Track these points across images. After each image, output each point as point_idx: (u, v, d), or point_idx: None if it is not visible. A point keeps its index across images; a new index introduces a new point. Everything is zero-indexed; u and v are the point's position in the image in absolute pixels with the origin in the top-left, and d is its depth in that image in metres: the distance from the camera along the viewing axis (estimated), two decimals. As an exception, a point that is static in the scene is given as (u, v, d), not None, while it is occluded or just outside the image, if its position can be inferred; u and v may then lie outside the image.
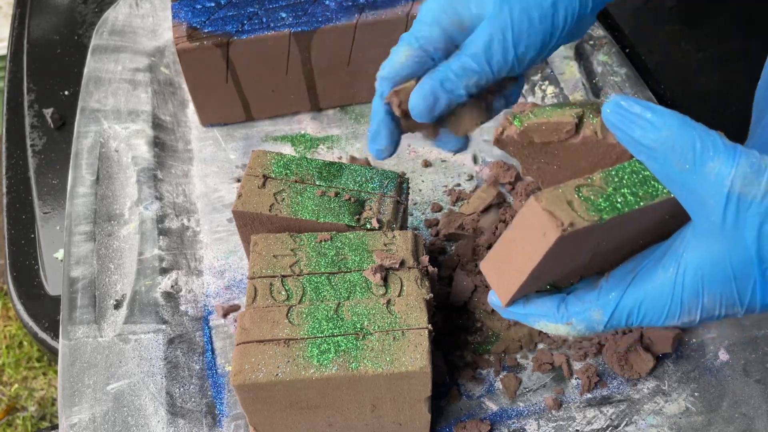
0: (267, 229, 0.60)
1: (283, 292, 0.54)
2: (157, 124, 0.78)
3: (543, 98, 0.81)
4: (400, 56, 0.51)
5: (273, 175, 0.60)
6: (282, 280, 0.55)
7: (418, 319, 0.52)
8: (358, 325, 0.52)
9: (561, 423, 0.58)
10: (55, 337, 0.71)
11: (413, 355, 0.50)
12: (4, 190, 0.82)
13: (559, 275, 0.46)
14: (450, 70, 0.50)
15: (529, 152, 0.56)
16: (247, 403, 0.52)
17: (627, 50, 0.89)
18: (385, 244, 0.56)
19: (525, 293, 0.46)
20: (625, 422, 0.58)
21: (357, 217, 0.58)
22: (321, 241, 0.57)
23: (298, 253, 0.56)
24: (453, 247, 0.69)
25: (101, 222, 0.70)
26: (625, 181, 0.43)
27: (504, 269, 0.45)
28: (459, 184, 0.74)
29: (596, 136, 0.52)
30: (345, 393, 0.51)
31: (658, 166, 0.40)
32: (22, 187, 0.82)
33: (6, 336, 1.35)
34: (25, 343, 1.34)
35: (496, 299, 0.48)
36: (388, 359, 0.50)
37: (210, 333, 0.64)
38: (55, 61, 0.93)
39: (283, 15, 0.74)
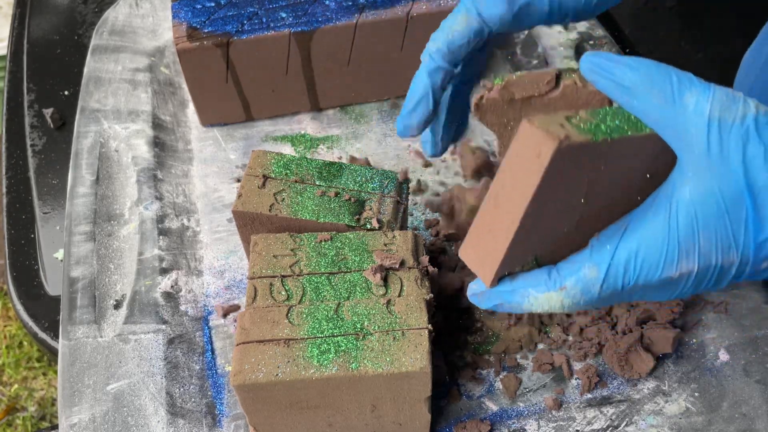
0: (267, 229, 0.60)
1: (283, 292, 0.54)
2: (157, 124, 0.78)
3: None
4: (457, 23, 0.51)
5: (273, 175, 0.60)
6: (282, 280, 0.55)
7: (418, 320, 0.52)
8: (358, 325, 0.52)
9: (561, 423, 0.58)
10: (55, 337, 0.71)
11: (413, 355, 0.50)
12: (4, 190, 0.82)
13: (544, 244, 0.44)
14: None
15: (509, 118, 0.55)
16: (247, 403, 0.52)
17: (627, 50, 0.89)
18: (385, 244, 0.56)
19: (510, 268, 0.44)
20: (625, 422, 0.58)
21: (357, 217, 0.58)
22: (321, 241, 0.57)
23: (298, 253, 0.56)
24: (453, 247, 0.69)
25: (101, 222, 0.70)
26: (609, 117, 0.43)
27: (487, 240, 0.43)
28: (459, 184, 0.74)
29: (576, 85, 0.52)
30: (345, 393, 0.51)
31: (638, 103, 0.41)
32: (22, 187, 0.82)
33: (6, 336, 1.35)
34: (25, 343, 1.34)
35: (477, 287, 0.46)
36: (388, 359, 0.50)
37: (210, 333, 0.64)
38: (55, 61, 0.93)
39: (283, 15, 0.74)
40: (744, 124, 0.39)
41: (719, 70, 0.86)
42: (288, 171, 0.61)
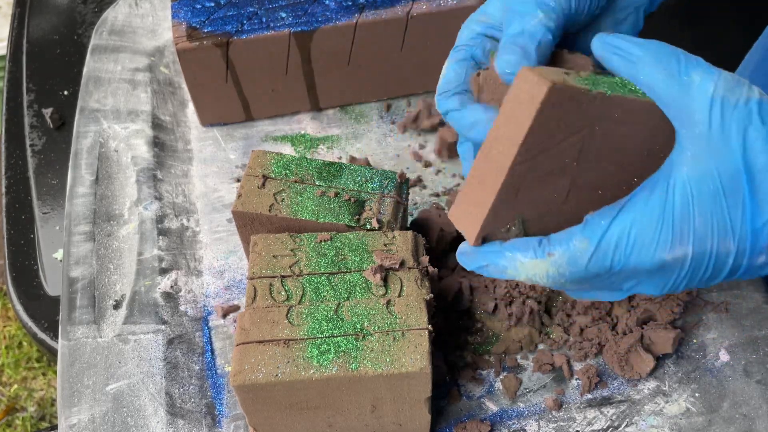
0: (267, 230, 0.59)
1: (283, 293, 0.54)
2: (156, 124, 0.78)
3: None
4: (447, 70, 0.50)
5: (273, 176, 0.60)
6: (282, 281, 0.54)
7: (418, 320, 0.52)
8: (358, 326, 0.52)
9: (561, 424, 0.58)
10: (55, 337, 0.71)
11: (413, 355, 0.50)
12: (4, 190, 0.82)
13: (534, 210, 0.43)
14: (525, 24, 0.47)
15: (503, 92, 0.54)
16: (246, 404, 0.52)
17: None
18: (385, 245, 0.56)
19: (497, 225, 0.43)
20: (625, 423, 0.58)
21: (357, 217, 0.58)
22: (321, 241, 0.56)
23: (297, 254, 0.56)
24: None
25: (101, 222, 0.70)
26: (610, 80, 0.42)
27: (476, 194, 0.42)
28: (459, 184, 0.74)
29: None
30: (345, 393, 0.51)
31: (644, 77, 0.41)
32: (21, 187, 0.82)
33: (5, 336, 1.35)
34: (24, 343, 1.34)
35: (466, 247, 0.45)
36: (388, 360, 0.50)
37: (209, 333, 0.64)
38: (55, 61, 0.93)
39: (283, 15, 0.74)
40: (747, 106, 0.39)
41: (719, 70, 0.87)
42: (288, 171, 0.61)
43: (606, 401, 0.59)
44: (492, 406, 0.59)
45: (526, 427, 0.58)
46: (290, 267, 0.55)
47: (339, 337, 0.51)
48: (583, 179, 0.43)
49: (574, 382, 0.60)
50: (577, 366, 0.61)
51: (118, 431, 0.57)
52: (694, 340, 0.62)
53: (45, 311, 0.73)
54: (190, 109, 0.82)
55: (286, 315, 0.52)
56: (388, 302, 0.53)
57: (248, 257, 0.59)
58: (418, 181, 0.74)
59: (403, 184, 0.61)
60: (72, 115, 0.80)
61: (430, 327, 0.51)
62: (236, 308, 0.66)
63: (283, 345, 0.51)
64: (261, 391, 0.50)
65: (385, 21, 0.73)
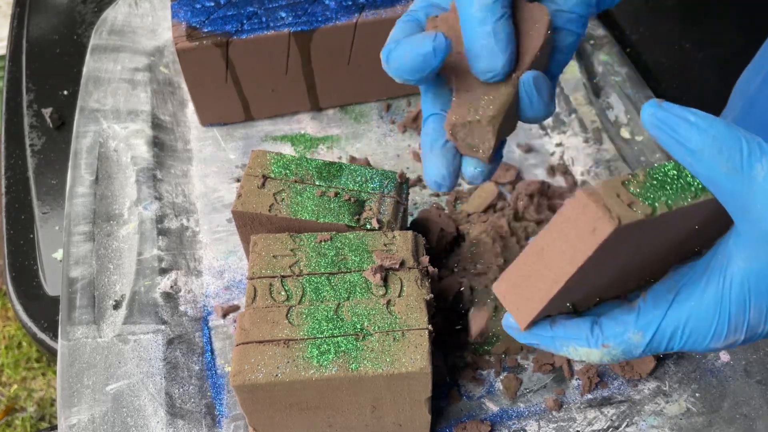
0: (267, 230, 0.59)
1: (283, 293, 0.54)
2: (156, 124, 0.78)
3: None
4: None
5: (272, 175, 0.60)
6: (282, 281, 0.54)
7: (418, 320, 0.52)
8: (358, 326, 0.51)
9: (561, 424, 0.58)
10: (54, 337, 0.71)
11: (413, 355, 0.50)
12: (3, 190, 0.82)
13: (583, 294, 0.44)
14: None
15: (480, 139, 0.52)
16: (246, 404, 0.52)
17: (627, 50, 0.89)
18: (385, 245, 0.56)
19: (545, 314, 0.44)
20: (625, 423, 0.57)
21: (357, 217, 0.58)
22: (321, 241, 0.56)
23: (297, 254, 0.56)
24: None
25: (100, 222, 0.70)
26: (669, 179, 0.41)
27: (526, 286, 0.42)
28: (459, 184, 0.74)
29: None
30: (345, 394, 0.51)
31: (703, 169, 0.38)
32: (21, 187, 0.82)
33: (5, 336, 1.35)
34: (24, 343, 1.33)
35: (513, 322, 0.45)
36: (388, 360, 0.50)
37: (209, 333, 0.64)
38: (54, 61, 0.93)
39: (283, 15, 0.74)
40: None
41: (719, 70, 0.86)
42: (288, 171, 0.61)
43: (606, 401, 0.59)
44: (492, 407, 0.59)
45: (526, 428, 0.58)
46: (290, 267, 0.55)
47: (339, 337, 0.51)
48: (634, 263, 0.43)
49: (574, 382, 0.60)
50: (578, 366, 0.61)
51: (118, 431, 0.57)
52: (695, 340, 0.62)
53: (44, 311, 0.72)
54: (190, 109, 0.82)
55: (286, 315, 0.52)
56: (388, 302, 0.53)
57: (248, 257, 0.59)
58: (418, 181, 0.74)
59: (403, 184, 0.61)
60: (72, 114, 0.80)
61: (430, 327, 0.51)
62: (236, 308, 0.65)
63: (283, 345, 0.51)
64: (261, 391, 0.50)
65: (385, 21, 0.73)
